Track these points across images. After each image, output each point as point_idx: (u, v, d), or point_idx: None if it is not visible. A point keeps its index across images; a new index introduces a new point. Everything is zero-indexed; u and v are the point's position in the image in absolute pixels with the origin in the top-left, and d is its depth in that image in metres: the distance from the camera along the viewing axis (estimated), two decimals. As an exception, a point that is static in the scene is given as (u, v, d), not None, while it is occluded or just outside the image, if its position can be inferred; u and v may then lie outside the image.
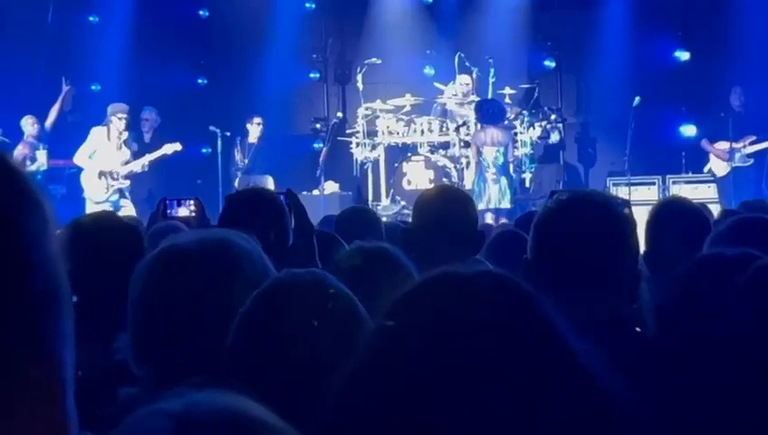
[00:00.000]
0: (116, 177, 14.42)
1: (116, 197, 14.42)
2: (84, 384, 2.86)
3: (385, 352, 1.37)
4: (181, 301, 2.39)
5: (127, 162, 14.49)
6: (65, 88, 15.58)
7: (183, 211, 4.82)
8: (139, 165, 14.55)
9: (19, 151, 14.77)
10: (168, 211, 4.97)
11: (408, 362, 1.34)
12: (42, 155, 14.81)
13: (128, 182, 14.49)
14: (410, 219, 5.29)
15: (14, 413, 0.74)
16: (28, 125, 14.89)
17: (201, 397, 1.12)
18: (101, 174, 14.38)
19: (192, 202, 4.96)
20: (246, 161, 15.89)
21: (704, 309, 2.44)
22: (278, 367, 2.13)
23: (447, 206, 4.49)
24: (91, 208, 13.31)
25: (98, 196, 14.30)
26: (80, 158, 14.52)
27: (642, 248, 4.87)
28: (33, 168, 14.75)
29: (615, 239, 2.94)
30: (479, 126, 14.73)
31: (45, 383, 0.78)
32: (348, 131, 16.27)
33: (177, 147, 14.72)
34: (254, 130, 16.07)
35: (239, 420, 1.10)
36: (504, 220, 13.16)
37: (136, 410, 1.09)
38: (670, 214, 4.70)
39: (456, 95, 15.78)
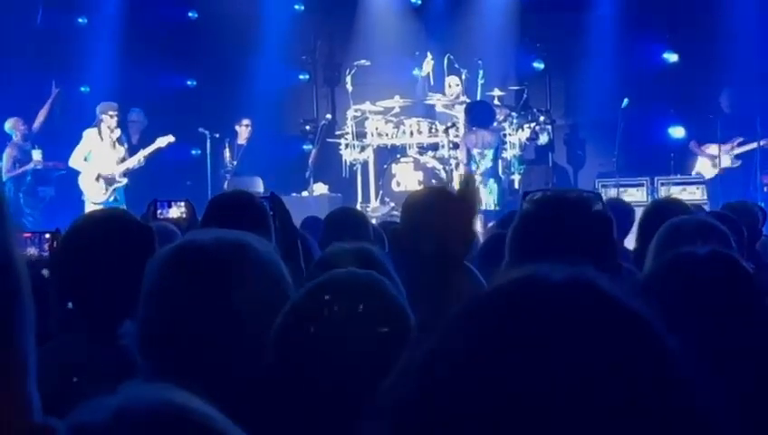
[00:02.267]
0: (113, 178, 14.50)
1: (113, 198, 14.51)
2: (85, 369, 2.87)
3: (453, 364, 1.16)
4: (192, 298, 2.38)
5: (123, 159, 14.57)
6: (55, 91, 15.59)
7: (174, 212, 4.82)
8: (135, 160, 14.64)
9: (7, 154, 14.79)
10: (159, 212, 4.97)
11: (477, 380, 1.13)
12: (37, 154, 14.87)
13: (125, 180, 14.56)
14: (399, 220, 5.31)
15: None
16: (15, 127, 14.91)
17: (143, 391, 1.14)
18: (99, 176, 14.47)
19: (183, 204, 4.97)
20: (235, 163, 15.90)
21: (675, 306, 2.47)
22: (326, 360, 2.14)
23: (435, 207, 4.50)
24: (90, 209, 13.40)
25: (97, 197, 14.40)
26: (75, 161, 14.57)
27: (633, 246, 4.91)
28: (28, 167, 14.82)
29: (590, 236, 2.96)
30: (469, 128, 14.74)
31: (10, 369, 0.80)
32: (337, 133, 16.27)
33: (171, 138, 14.79)
34: (243, 131, 16.09)
35: (176, 412, 1.11)
36: (492, 224, 13.17)
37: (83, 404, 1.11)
38: (661, 214, 4.75)
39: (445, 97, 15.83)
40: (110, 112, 14.54)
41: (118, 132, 14.67)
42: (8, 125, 14.97)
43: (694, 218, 4.03)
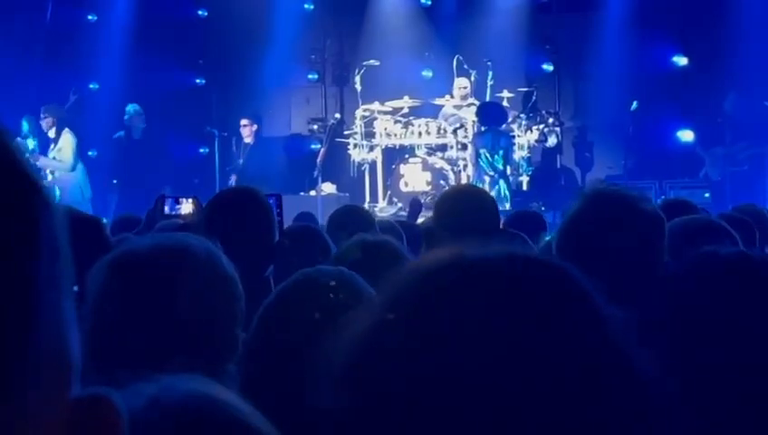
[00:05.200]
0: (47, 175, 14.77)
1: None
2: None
3: (389, 350, 1.16)
4: (130, 306, 2.36)
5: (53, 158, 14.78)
6: (72, 98, 15.70)
7: (185, 208, 4.83)
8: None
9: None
10: (166, 209, 4.98)
11: (417, 363, 1.14)
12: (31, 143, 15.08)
13: (49, 177, 14.70)
14: (429, 218, 5.27)
15: (26, 396, 0.76)
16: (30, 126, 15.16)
17: (174, 381, 1.17)
18: None
19: (191, 200, 4.97)
20: (241, 161, 15.92)
21: (695, 308, 2.45)
22: (297, 360, 2.14)
23: (469, 206, 4.47)
24: None
25: None
26: None
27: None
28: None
29: (641, 236, 2.97)
30: (479, 128, 14.75)
31: (57, 364, 0.80)
32: (345, 133, 16.28)
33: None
34: (247, 130, 16.10)
35: (207, 404, 1.15)
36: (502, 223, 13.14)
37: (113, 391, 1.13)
38: (667, 214, 4.76)
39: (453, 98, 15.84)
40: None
41: (52, 134, 14.79)
42: (27, 126, 15.19)
43: (701, 218, 4.03)
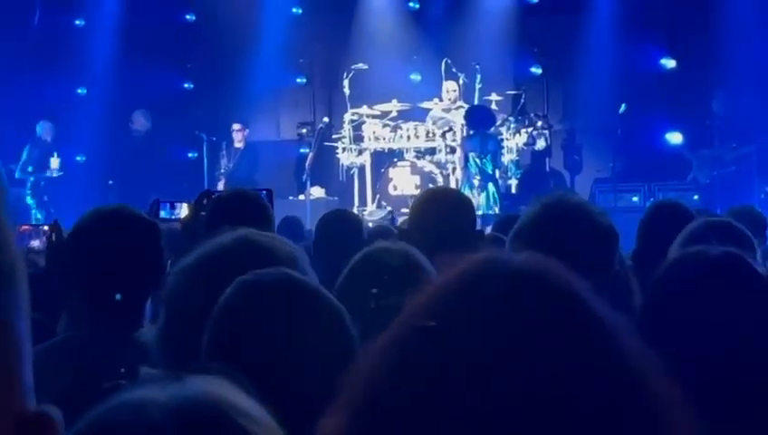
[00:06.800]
0: None
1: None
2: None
3: (428, 353, 1.25)
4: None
5: None
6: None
7: (183, 213, 4.85)
8: None
9: (28, 152, 15.14)
10: (163, 213, 4.99)
11: (456, 366, 1.22)
12: (55, 162, 15.07)
13: None
14: (405, 221, 5.26)
15: None
16: (46, 131, 15.26)
17: (188, 384, 1.18)
18: None
19: (185, 205, 4.97)
20: (231, 166, 15.91)
21: (685, 308, 2.45)
22: (249, 367, 2.12)
23: (445, 208, 4.45)
24: None
25: None
26: None
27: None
28: (45, 175, 15.07)
29: (593, 247, 2.96)
30: (468, 132, 14.76)
31: (7, 354, 0.80)
32: (334, 136, 16.26)
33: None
34: (239, 135, 16.09)
35: (220, 405, 1.15)
36: (488, 229, 13.10)
37: (124, 395, 1.14)
38: (661, 215, 4.77)
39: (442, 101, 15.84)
40: None
41: None
42: (40, 128, 15.26)
43: (723, 220, 4.01)
